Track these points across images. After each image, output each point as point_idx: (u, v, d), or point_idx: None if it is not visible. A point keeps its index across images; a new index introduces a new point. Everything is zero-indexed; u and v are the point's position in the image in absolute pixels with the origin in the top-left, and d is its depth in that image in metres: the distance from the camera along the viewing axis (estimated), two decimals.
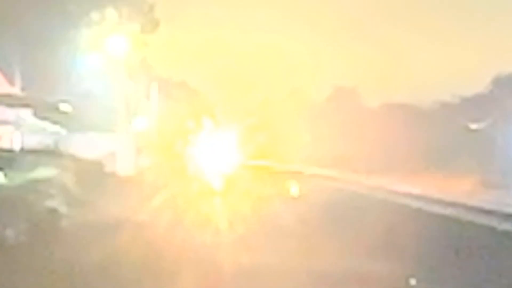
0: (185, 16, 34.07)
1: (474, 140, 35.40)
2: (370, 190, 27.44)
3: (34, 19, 28.74)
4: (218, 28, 34.91)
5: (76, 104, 28.35)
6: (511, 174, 31.68)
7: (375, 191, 27.01)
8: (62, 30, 29.37)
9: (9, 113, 25.47)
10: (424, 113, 37.96)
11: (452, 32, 35.91)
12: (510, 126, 35.00)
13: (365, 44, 35.95)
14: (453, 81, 34.91)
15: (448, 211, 20.92)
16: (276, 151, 35.03)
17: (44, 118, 26.93)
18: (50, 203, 17.84)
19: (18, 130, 25.37)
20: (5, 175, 17.24)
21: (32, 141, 24.86)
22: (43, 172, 18.61)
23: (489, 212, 19.70)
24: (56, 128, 27.64)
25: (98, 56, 30.75)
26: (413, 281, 11.92)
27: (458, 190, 28.27)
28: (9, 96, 26.92)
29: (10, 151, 22.05)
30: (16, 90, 28.56)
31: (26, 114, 26.19)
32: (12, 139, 24.95)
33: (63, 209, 18.01)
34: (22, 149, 23.87)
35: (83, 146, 26.81)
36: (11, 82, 28.55)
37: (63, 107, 27.43)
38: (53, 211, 17.71)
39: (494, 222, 18.53)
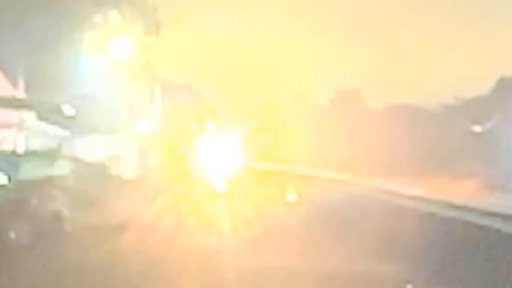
0: (188, 18, 34.09)
1: (477, 142, 35.38)
2: (374, 192, 27.42)
3: (37, 22, 28.76)
4: (222, 31, 34.93)
5: (80, 106, 28.31)
6: None
7: (378, 193, 27.00)
8: (66, 33, 29.38)
9: (13, 116, 25.45)
10: (427, 115, 37.94)
11: (456, 34, 35.90)
12: None
13: (369, 47, 35.95)
14: (456, 83, 34.91)
15: (453, 213, 20.91)
16: (279, 154, 35.02)
17: (47, 121, 26.91)
18: (53, 206, 17.85)
19: (22, 133, 25.36)
20: (9, 177, 17.24)
21: (35, 144, 24.84)
22: (46, 174, 18.61)
23: (493, 214, 19.69)
24: (59, 130, 27.63)
25: (102, 59, 30.77)
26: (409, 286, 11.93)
27: (462, 192, 28.25)
28: (12, 98, 26.91)
29: (13, 153, 22.01)
30: (19, 92, 28.55)
31: (29, 116, 26.17)
32: (15, 142, 24.94)
33: (66, 211, 18.02)
34: (25, 152, 23.85)
35: (87, 148, 26.81)
36: (14, 84, 28.55)
37: (66, 109, 27.39)
38: (56, 214, 17.72)
39: (498, 224, 18.51)
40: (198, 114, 34.74)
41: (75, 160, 23.41)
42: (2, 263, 13.35)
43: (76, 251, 14.42)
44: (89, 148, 26.95)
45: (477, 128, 36.64)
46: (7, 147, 23.90)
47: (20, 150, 24.23)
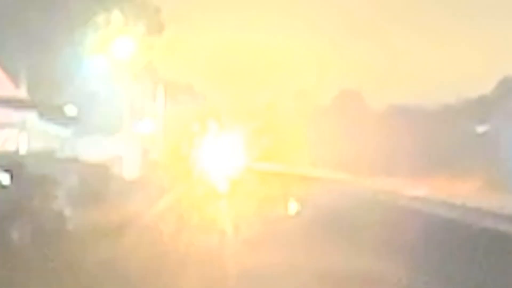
0: (190, 18, 34.12)
1: (479, 142, 35.36)
2: (376, 193, 27.40)
3: (39, 22, 28.78)
4: (223, 32, 34.94)
5: (82, 106, 28.39)
6: None
7: (380, 194, 26.97)
8: (68, 33, 29.41)
9: (15, 116, 25.49)
10: (429, 115, 37.92)
11: (458, 34, 35.91)
12: None
13: (370, 46, 35.96)
14: (458, 83, 34.88)
15: (455, 214, 20.87)
16: (281, 154, 35.03)
17: (49, 121, 26.96)
18: (56, 206, 17.89)
19: (24, 133, 25.39)
20: (11, 177, 17.28)
21: (38, 144, 24.89)
22: (48, 174, 18.65)
23: (493, 215, 19.66)
24: (62, 130, 27.67)
25: (104, 59, 30.79)
26: None
27: (463, 192, 28.24)
28: (14, 98, 26.95)
29: (16, 153, 22.08)
30: (21, 92, 28.60)
31: (31, 116, 26.21)
32: (17, 142, 24.98)
33: (68, 211, 18.05)
34: (27, 152, 23.90)
35: (89, 148, 26.85)
36: (16, 84, 28.59)
37: (68, 109, 27.45)
38: (59, 214, 17.75)
39: (498, 225, 18.49)
40: (200, 115, 34.76)
41: (77, 160, 23.47)
42: (4, 262, 13.37)
43: (78, 251, 14.45)
44: (91, 148, 26.98)
45: (479, 128, 36.62)
46: (10, 147, 23.95)
47: (23, 150, 24.28)
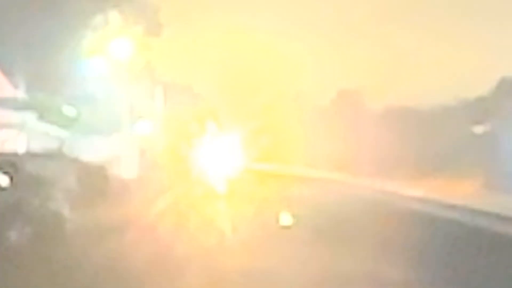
0: (189, 19, 34.11)
1: (477, 143, 35.36)
2: (375, 193, 27.45)
3: (38, 22, 28.78)
4: (223, 32, 34.92)
5: (81, 107, 28.40)
6: None
7: (379, 194, 27.03)
8: (66, 33, 29.40)
9: (14, 117, 25.51)
10: (427, 116, 37.92)
11: (457, 35, 35.90)
12: None
13: (369, 47, 35.96)
14: (457, 84, 34.88)
15: (454, 215, 20.91)
16: (280, 155, 35.02)
17: (48, 121, 26.97)
18: (54, 206, 17.89)
19: (23, 134, 25.39)
20: (10, 178, 17.29)
21: (37, 145, 24.89)
22: (47, 175, 18.65)
23: (492, 215, 19.69)
24: (61, 131, 27.68)
25: (102, 59, 30.78)
26: None
27: (462, 193, 28.27)
28: (13, 99, 26.96)
29: (14, 154, 22.07)
30: (20, 93, 28.59)
31: (30, 117, 26.22)
32: (16, 143, 24.98)
33: (67, 212, 18.06)
34: (26, 153, 23.91)
35: (87, 149, 26.85)
36: (15, 85, 28.59)
37: (67, 110, 27.47)
38: (57, 214, 17.76)
39: (497, 225, 18.52)
40: (199, 115, 34.74)
41: (76, 160, 23.47)
42: (2, 263, 13.37)
43: (76, 252, 14.45)
44: (90, 149, 26.98)
45: (477, 129, 36.63)
46: (8, 148, 23.96)
47: (21, 151, 24.29)
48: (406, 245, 14.94)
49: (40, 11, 29.03)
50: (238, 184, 29.02)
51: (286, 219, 20.47)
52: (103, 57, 30.76)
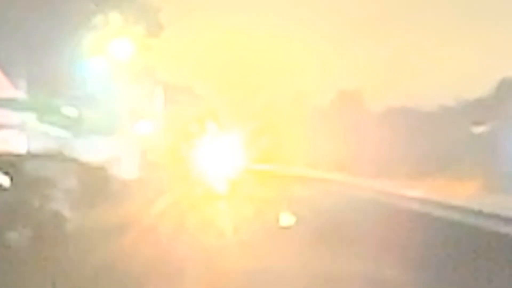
0: (190, 20, 34.12)
1: (477, 144, 35.37)
2: (375, 194, 27.44)
3: (38, 22, 28.79)
4: (222, 33, 34.94)
5: (81, 107, 28.42)
6: None
7: (379, 195, 27.01)
8: (67, 34, 29.41)
9: (14, 117, 25.52)
10: (428, 116, 37.93)
11: (457, 35, 35.92)
12: None
13: (369, 48, 35.97)
14: (457, 84, 34.90)
15: (454, 215, 20.90)
16: (280, 155, 35.03)
17: (48, 122, 26.98)
18: (55, 207, 17.90)
19: (23, 134, 25.41)
20: (11, 179, 17.30)
21: (37, 145, 24.91)
22: (47, 175, 18.67)
23: (492, 216, 19.69)
24: (61, 131, 27.69)
25: (103, 60, 30.79)
26: None
27: (462, 194, 28.27)
28: (13, 100, 26.97)
29: (15, 155, 22.07)
30: (20, 94, 28.61)
31: (30, 118, 26.24)
32: (17, 143, 25.00)
33: (67, 212, 18.06)
34: (27, 153, 23.92)
35: (87, 149, 26.86)
36: (15, 86, 28.60)
37: (67, 110, 27.48)
38: (58, 215, 17.76)
39: (497, 226, 18.52)
40: (199, 116, 34.74)
41: (76, 161, 23.47)
42: (2, 263, 13.38)
43: (77, 252, 14.46)
44: (90, 150, 26.99)
45: (477, 130, 36.63)
46: (9, 148, 23.96)
47: (22, 151, 24.30)
48: (406, 246, 14.95)
49: (40, 12, 29.04)
50: (238, 185, 29.01)
51: (286, 219, 20.46)
52: (104, 57, 30.76)
